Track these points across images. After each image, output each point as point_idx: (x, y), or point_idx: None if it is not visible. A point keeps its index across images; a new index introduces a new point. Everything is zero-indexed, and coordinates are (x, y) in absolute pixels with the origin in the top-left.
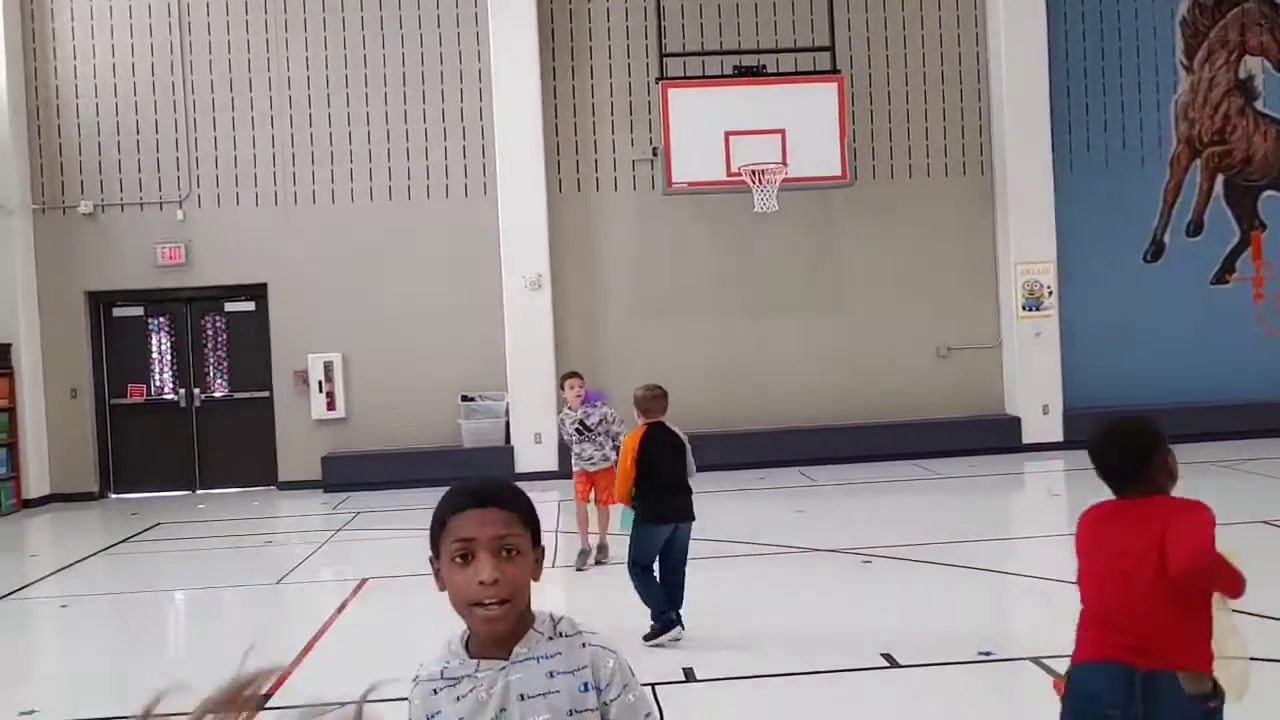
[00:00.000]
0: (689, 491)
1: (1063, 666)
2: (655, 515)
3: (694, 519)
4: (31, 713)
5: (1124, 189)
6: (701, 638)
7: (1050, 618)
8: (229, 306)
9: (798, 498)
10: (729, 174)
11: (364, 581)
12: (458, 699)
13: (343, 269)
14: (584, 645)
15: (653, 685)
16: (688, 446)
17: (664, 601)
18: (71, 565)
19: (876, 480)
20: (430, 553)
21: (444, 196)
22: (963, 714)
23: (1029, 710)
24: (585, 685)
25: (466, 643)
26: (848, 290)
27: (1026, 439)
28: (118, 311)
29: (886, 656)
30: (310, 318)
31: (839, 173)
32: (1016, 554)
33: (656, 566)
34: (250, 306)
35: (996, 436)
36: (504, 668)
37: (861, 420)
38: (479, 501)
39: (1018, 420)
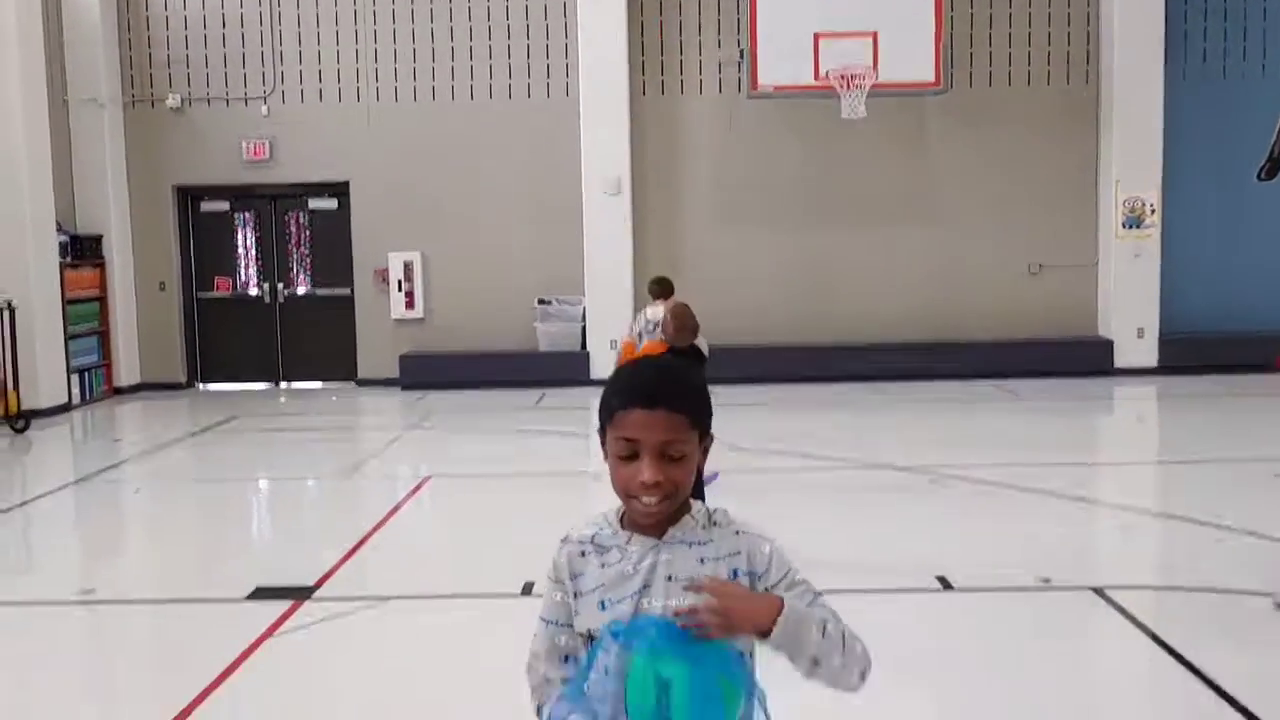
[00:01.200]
0: None
1: (1125, 597)
2: None
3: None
4: (90, 591)
5: (1241, 102)
6: None
7: (1118, 548)
8: (312, 204)
9: (871, 413)
10: (816, 78)
11: (426, 479)
12: (603, 566)
13: (424, 169)
14: (737, 533)
15: None
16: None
17: None
18: (149, 452)
19: (955, 399)
20: (598, 423)
21: (526, 97)
22: (1009, 641)
23: (1080, 639)
24: (736, 572)
25: (621, 517)
26: (937, 202)
27: (1118, 363)
28: (205, 206)
29: (941, 579)
30: (391, 217)
31: (932, 79)
32: (1092, 480)
33: None
34: (333, 204)
35: (1087, 359)
36: (655, 546)
37: (945, 337)
38: (648, 402)
39: (1110, 343)
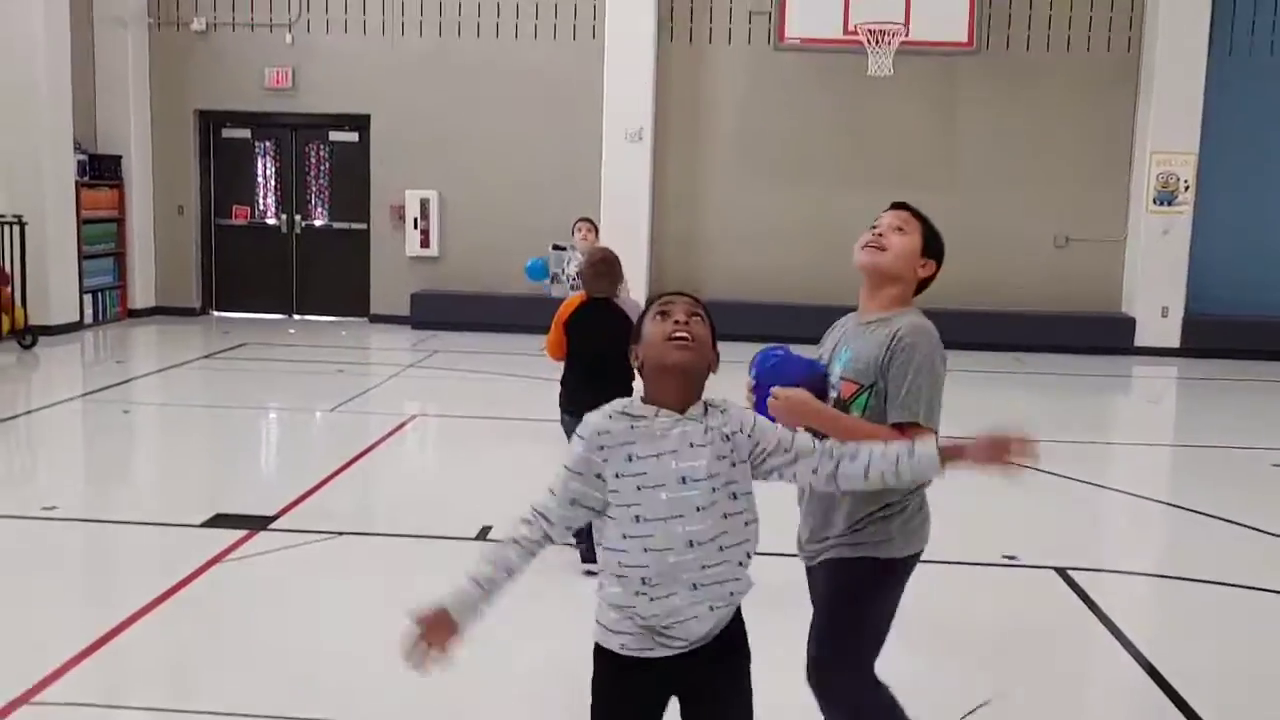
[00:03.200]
0: (616, 382)
1: (1087, 580)
2: (565, 402)
3: None
4: (52, 508)
5: None
6: None
7: (1089, 529)
8: (333, 135)
9: None
10: (846, 32)
11: (410, 418)
12: (631, 428)
13: (446, 106)
14: (724, 412)
15: None
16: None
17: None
18: (148, 375)
19: (969, 369)
20: (633, 342)
21: (551, 38)
22: (961, 616)
23: (1037, 616)
24: (728, 435)
25: (643, 400)
26: (965, 167)
27: (1139, 341)
28: (226, 133)
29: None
30: (410, 153)
31: (964, 39)
32: (1084, 459)
33: None
34: (354, 137)
35: (1108, 336)
36: (678, 419)
37: (965, 306)
38: (677, 293)
39: (1133, 321)
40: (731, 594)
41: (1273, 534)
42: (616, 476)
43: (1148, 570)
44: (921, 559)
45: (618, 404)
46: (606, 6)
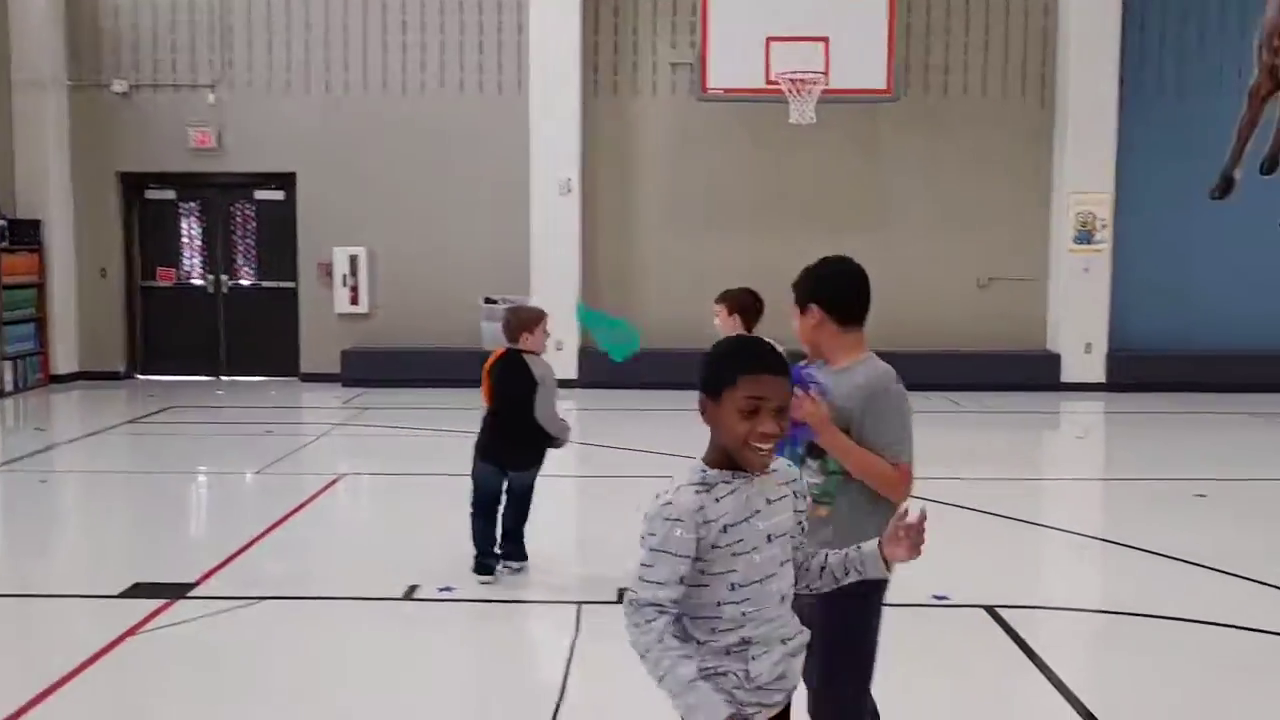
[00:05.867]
0: (523, 437)
1: (1016, 618)
2: (479, 448)
3: (524, 468)
4: None
5: (1195, 121)
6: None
7: (1017, 565)
8: (259, 194)
9: None
10: (768, 81)
11: (338, 478)
12: (717, 500)
13: (372, 162)
14: (775, 468)
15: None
16: (542, 385)
17: (484, 543)
18: (69, 442)
19: None
20: (703, 392)
21: (477, 91)
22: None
23: (968, 655)
24: (796, 493)
25: (709, 463)
26: (889, 212)
27: (1065, 378)
28: (150, 194)
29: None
30: (337, 210)
31: (884, 86)
32: (1009, 496)
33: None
34: (279, 195)
35: (1034, 373)
36: (753, 479)
37: (892, 347)
38: (773, 370)
39: (1057, 358)
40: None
41: (1198, 564)
42: (713, 548)
43: (1076, 606)
44: None
45: (688, 476)
46: (530, 60)
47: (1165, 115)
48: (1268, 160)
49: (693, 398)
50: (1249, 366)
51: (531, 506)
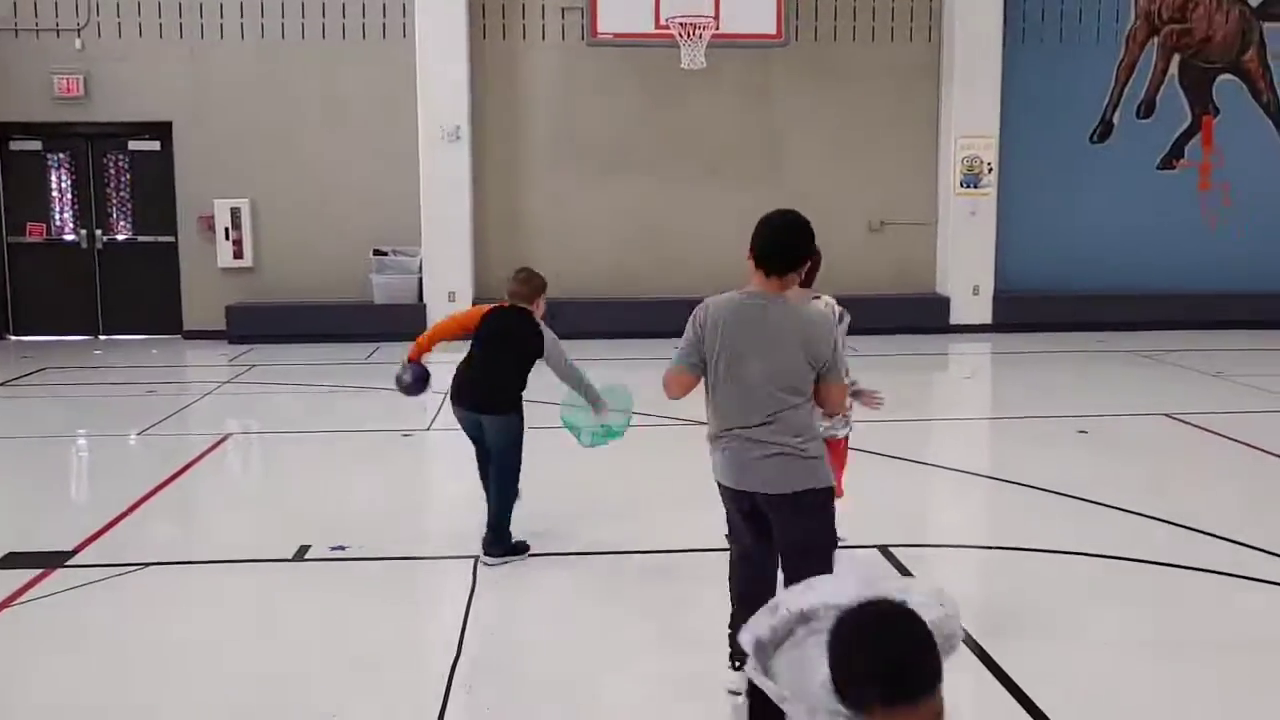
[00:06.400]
0: (500, 380)
1: (909, 556)
2: (453, 392)
3: (498, 412)
4: None
5: (1075, 65)
6: (555, 513)
7: (908, 505)
8: (132, 145)
9: None
10: (658, 26)
11: (225, 438)
12: None
13: (252, 111)
14: None
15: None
16: (555, 345)
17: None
18: None
19: None
20: (838, 698)
21: (360, 38)
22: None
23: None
24: None
25: None
26: (780, 157)
27: (954, 319)
28: (15, 145)
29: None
30: (218, 161)
31: (774, 31)
32: (900, 437)
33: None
34: (155, 146)
35: (924, 316)
36: None
37: None
38: (913, 697)
39: (947, 300)
40: None
41: (1080, 498)
42: None
43: (966, 543)
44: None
45: None
46: (416, 4)
47: (1048, 61)
48: (1143, 104)
49: (581, 346)
50: (1129, 306)
51: (518, 492)
